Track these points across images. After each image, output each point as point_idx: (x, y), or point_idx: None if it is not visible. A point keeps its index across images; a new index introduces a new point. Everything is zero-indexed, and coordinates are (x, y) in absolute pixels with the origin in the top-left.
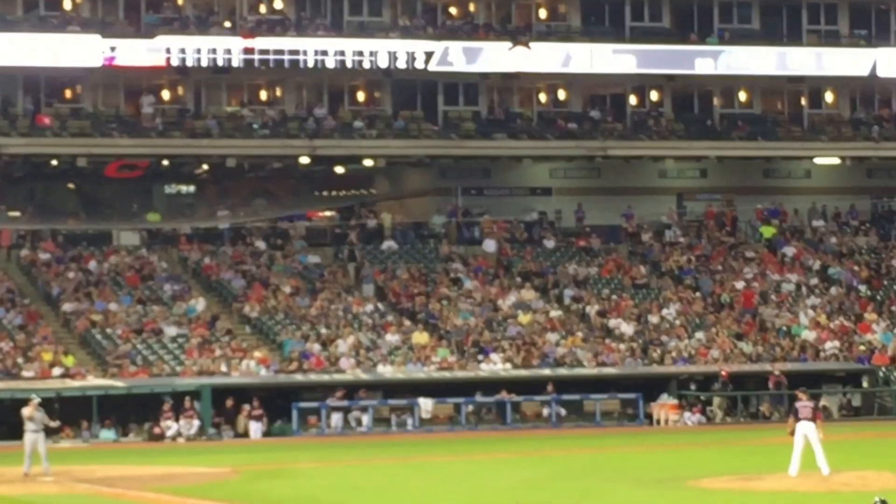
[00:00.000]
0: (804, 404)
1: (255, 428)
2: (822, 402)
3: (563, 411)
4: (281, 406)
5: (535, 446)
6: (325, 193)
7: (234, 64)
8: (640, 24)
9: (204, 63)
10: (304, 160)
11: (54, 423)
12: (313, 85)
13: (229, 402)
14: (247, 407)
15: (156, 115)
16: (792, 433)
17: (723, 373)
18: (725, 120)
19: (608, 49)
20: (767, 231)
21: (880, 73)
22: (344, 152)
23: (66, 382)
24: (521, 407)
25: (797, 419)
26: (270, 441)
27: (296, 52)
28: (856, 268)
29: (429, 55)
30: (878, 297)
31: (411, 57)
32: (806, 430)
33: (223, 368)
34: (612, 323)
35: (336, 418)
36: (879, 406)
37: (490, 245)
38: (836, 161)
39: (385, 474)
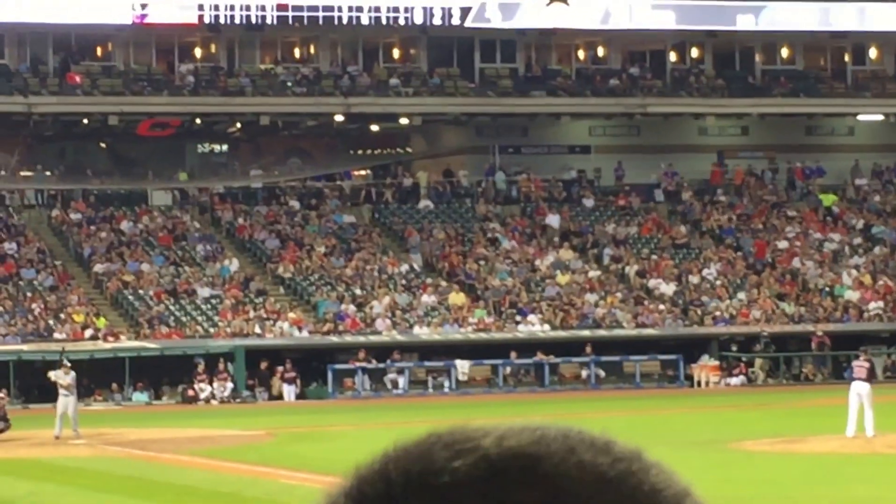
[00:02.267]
0: (860, 364)
1: (289, 390)
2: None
3: (601, 373)
4: (316, 368)
5: (573, 408)
6: (359, 152)
7: (268, 21)
8: None
9: (237, 20)
10: (339, 118)
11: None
12: (348, 42)
13: (264, 364)
14: (280, 369)
15: (188, 74)
16: None
17: (763, 333)
18: (767, 77)
19: (647, 4)
20: (828, 199)
21: None
22: (379, 110)
23: (99, 344)
24: (559, 369)
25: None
26: (305, 403)
27: (330, 9)
28: None
29: (465, 11)
30: None
31: (447, 13)
32: (859, 390)
33: (257, 330)
34: (652, 283)
35: (372, 380)
36: None
37: (554, 220)
38: (879, 118)
39: None
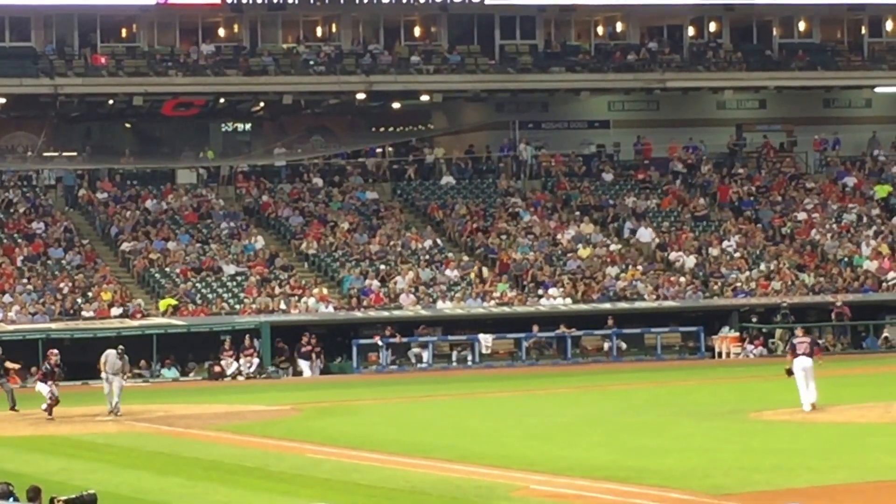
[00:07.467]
0: (801, 340)
1: (306, 365)
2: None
3: (623, 345)
4: (341, 343)
5: (595, 381)
6: (381, 129)
7: (290, 0)
8: None
9: (259, 0)
10: (361, 96)
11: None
12: (369, 20)
13: (279, 343)
14: (304, 341)
15: (211, 54)
16: (789, 371)
17: (783, 304)
18: (785, 50)
19: None
20: (882, 190)
21: None
22: (400, 88)
23: (126, 322)
24: (581, 341)
25: (795, 355)
26: (330, 378)
27: None
28: None
29: None
30: None
31: None
32: (804, 365)
33: (282, 306)
34: (673, 256)
35: (396, 355)
36: None
37: (645, 235)
38: None
39: (445, 410)
